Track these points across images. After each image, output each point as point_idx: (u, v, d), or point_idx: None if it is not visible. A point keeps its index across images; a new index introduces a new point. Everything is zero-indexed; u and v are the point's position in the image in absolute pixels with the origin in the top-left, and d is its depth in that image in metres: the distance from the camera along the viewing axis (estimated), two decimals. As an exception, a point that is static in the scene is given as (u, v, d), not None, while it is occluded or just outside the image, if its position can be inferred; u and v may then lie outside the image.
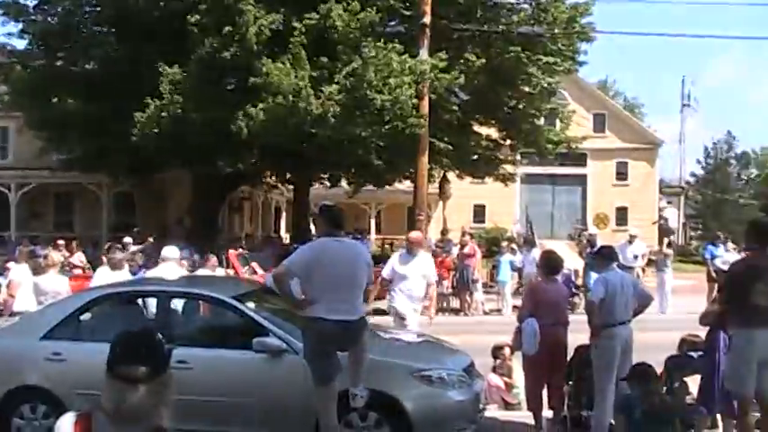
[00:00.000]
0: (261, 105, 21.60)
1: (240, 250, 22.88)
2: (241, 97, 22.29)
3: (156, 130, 22.28)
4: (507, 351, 11.48)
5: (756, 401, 8.11)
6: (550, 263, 10.22)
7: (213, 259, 16.18)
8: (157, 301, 9.31)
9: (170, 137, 22.50)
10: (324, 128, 21.80)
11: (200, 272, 15.56)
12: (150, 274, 12.58)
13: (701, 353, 9.47)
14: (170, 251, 12.71)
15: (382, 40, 22.59)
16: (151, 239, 23.08)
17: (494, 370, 11.55)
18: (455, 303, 24.27)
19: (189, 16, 21.95)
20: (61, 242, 23.38)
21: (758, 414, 8.21)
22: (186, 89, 22.18)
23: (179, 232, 26.59)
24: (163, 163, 25.47)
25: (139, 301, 10.03)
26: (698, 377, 9.35)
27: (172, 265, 12.27)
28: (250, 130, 21.85)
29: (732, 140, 71.26)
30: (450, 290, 24.26)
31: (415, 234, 13.38)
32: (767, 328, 7.88)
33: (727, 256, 13.49)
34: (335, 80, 22.10)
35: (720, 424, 9.17)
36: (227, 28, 21.54)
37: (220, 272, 16.69)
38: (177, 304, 9.78)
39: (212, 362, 8.69)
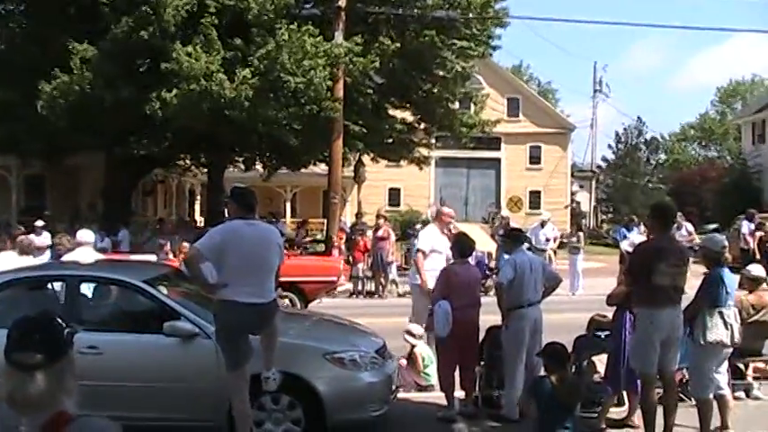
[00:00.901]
0: (174, 91, 21.32)
1: None
2: (153, 80, 21.96)
3: (62, 101, 21.75)
4: (416, 339, 11.63)
5: (659, 378, 8.35)
6: (462, 245, 10.33)
7: None
8: (66, 285, 9.12)
9: (81, 117, 22.04)
10: (238, 110, 21.62)
11: None
12: (66, 258, 12.34)
13: (608, 332, 9.69)
14: (85, 235, 12.50)
15: (296, 23, 22.46)
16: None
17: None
18: (370, 286, 24.37)
19: None
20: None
21: (661, 390, 8.46)
22: (97, 67, 21.73)
23: (92, 216, 26.16)
24: (75, 145, 24.91)
25: (49, 285, 9.82)
26: (605, 356, 9.57)
27: (87, 249, 12.07)
28: (163, 114, 21.56)
29: (642, 126, 72.81)
30: (365, 273, 24.35)
31: (448, 209, 13.23)
32: (669, 307, 8.12)
33: (633, 238, 13.76)
34: (249, 63, 21.93)
35: (626, 401, 9.42)
36: (144, 8, 21.16)
37: None
38: (87, 289, 9.62)
39: (123, 347, 8.58)
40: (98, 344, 8.24)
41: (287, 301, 17.68)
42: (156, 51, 21.73)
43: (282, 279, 17.25)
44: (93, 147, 25.15)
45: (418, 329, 11.71)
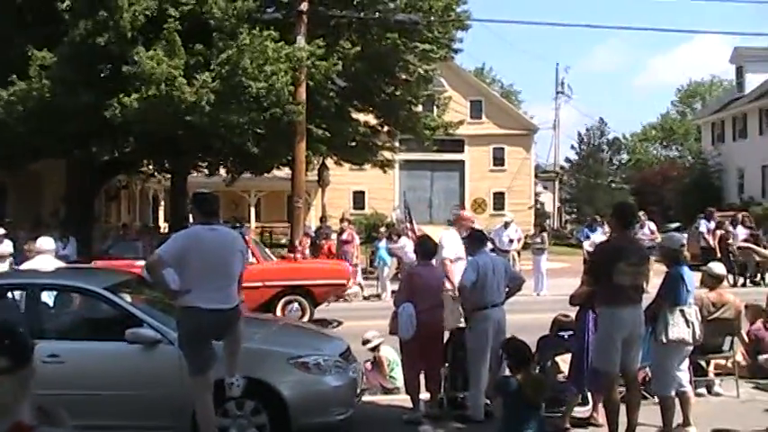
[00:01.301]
0: (134, 95, 21.18)
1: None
2: (115, 84, 21.80)
3: (20, 108, 21.55)
4: (374, 343, 11.72)
5: (622, 377, 8.42)
6: (424, 248, 10.34)
7: None
8: (27, 294, 9.03)
9: (41, 122, 21.83)
10: (199, 115, 21.52)
11: None
12: (25, 266, 12.19)
13: (571, 332, 9.75)
14: (45, 242, 12.36)
15: (258, 28, 22.41)
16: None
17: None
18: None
19: (59, 2, 21.29)
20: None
21: (624, 389, 8.53)
22: (56, 74, 21.54)
23: (54, 223, 25.89)
24: (35, 151, 24.64)
25: (9, 294, 9.69)
26: (569, 356, 9.62)
27: (47, 257, 11.94)
28: (125, 118, 21.41)
29: (604, 127, 73.30)
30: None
31: (468, 213, 13.07)
32: (630, 306, 8.19)
33: (594, 238, 13.91)
34: (210, 67, 21.85)
35: (590, 400, 9.48)
36: (101, 13, 21.00)
37: None
38: (48, 297, 9.53)
39: (85, 355, 8.50)
40: (60, 352, 8.19)
41: (296, 304, 17.70)
42: (116, 56, 21.58)
43: (292, 283, 17.59)
44: (55, 152, 24.90)
45: (373, 334, 11.81)
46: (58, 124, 22.09)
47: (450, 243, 11.56)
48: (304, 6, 24.39)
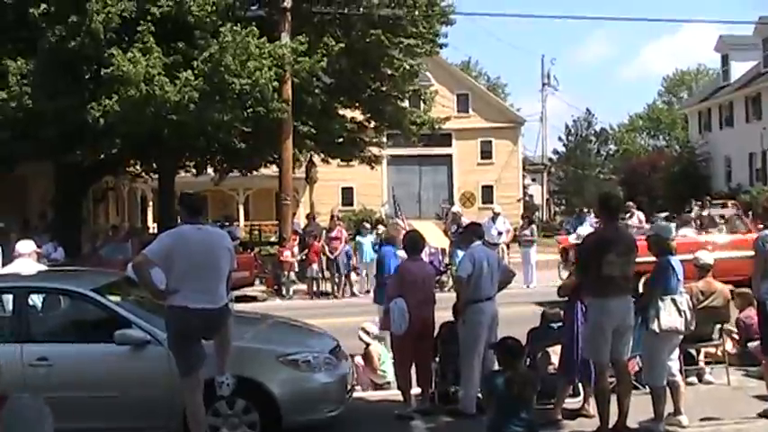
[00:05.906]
0: (115, 96, 21.08)
1: None
2: (95, 87, 21.70)
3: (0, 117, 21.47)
4: (365, 336, 11.74)
5: (612, 367, 8.42)
6: (411, 242, 10.32)
7: None
8: (14, 297, 8.98)
9: (23, 127, 21.71)
10: (183, 114, 21.44)
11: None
12: (5, 270, 12.09)
13: (561, 324, 9.74)
14: (23, 246, 12.28)
15: (239, 25, 22.35)
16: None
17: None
18: (325, 287, 24.33)
19: (33, 8, 21.15)
20: None
21: (614, 379, 8.53)
22: (35, 81, 21.42)
23: (42, 226, 25.77)
24: (19, 156, 24.48)
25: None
26: (560, 347, 9.61)
27: (27, 260, 11.86)
28: (107, 120, 21.32)
29: (591, 118, 73.23)
30: (318, 273, 24.30)
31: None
32: (619, 297, 8.19)
33: (580, 230, 13.86)
34: (193, 65, 21.77)
35: (581, 391, 9.48)
36: (72, 17, 20.88)
37: None
38: (36, 300, 9.49)
39: (74, 357, 8.47)
40: (48, 355, 8.19)
41: None
42: (94, 59, 21.47)
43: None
44: (39, 156, 24.76)
45: (373, 328, 11.78)
46: (40, 129, 21.96)
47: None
48: (287, 3, 24.33)
